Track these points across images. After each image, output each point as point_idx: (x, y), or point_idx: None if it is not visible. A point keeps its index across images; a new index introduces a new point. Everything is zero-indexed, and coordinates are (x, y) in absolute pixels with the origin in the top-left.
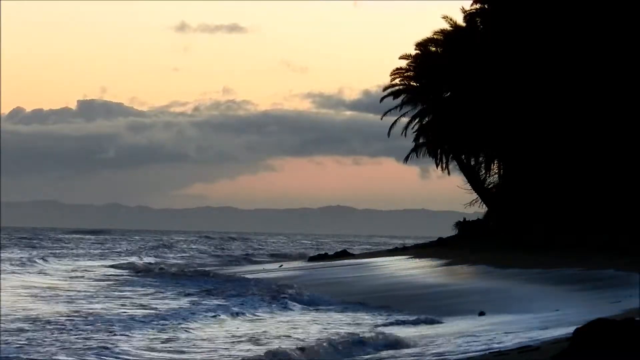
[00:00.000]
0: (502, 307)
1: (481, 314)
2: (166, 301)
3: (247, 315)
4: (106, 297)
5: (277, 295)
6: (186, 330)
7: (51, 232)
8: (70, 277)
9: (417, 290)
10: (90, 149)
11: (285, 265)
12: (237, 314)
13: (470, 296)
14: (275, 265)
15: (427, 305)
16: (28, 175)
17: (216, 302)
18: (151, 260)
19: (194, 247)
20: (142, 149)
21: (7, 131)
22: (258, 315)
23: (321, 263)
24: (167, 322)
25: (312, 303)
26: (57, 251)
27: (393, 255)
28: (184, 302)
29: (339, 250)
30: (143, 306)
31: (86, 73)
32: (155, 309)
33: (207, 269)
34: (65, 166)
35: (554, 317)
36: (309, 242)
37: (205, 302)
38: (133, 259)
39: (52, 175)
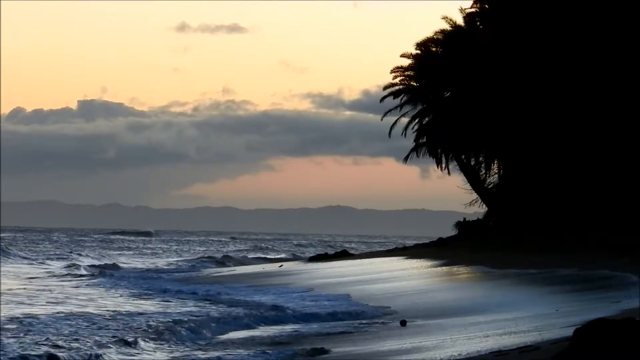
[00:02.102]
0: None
1: (402, 323)
2: None
3: None
4: None
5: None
6: None
7: (90, 234)
8: None
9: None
10: (90, 149)
11: (285, 265)
12: None
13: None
14: (276, 266)
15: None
16: (28, 175)
17: None
18: None
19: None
20: (142, 149)
21: (7, 131)
22: None
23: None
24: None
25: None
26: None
27: (391, 256)
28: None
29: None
30: None
31: (86, 73)
32: None
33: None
34: (65, 166)
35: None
36: (342, 241)
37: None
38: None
39: (52, 175)
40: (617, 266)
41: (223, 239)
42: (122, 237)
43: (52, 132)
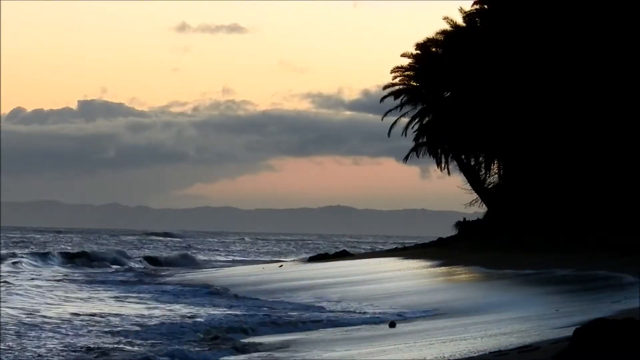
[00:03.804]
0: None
1: (392, 325)
2: None
3: None
4: None
5: None
6: None
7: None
8: None
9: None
10: (90, 149)
11: (285, 265)
12: None
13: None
14: (276, 265)
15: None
16: (28, 175)
17: None
18: None
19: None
20: (142, 149)
21: (7, 131)
22: None
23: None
24: None
25: None
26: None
27: (390, 256)
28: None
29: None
30: None
31: (86, 73)
32: None
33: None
34: (65, 166)
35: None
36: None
37: None
38: None
39: (52, 175)
40: (617, 266)
41: (247, 240)
42: (162, 239)
43: (52, 132)
